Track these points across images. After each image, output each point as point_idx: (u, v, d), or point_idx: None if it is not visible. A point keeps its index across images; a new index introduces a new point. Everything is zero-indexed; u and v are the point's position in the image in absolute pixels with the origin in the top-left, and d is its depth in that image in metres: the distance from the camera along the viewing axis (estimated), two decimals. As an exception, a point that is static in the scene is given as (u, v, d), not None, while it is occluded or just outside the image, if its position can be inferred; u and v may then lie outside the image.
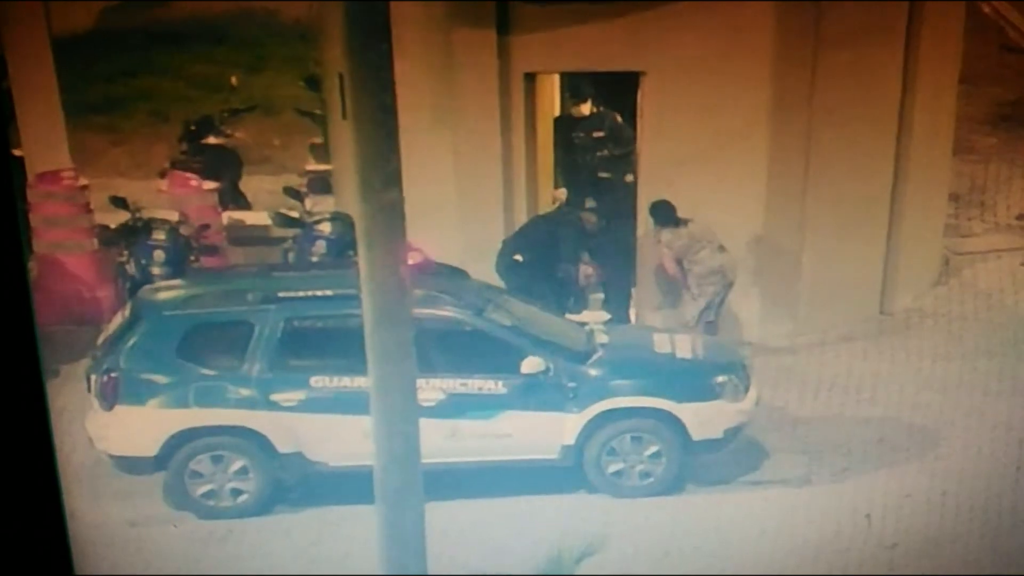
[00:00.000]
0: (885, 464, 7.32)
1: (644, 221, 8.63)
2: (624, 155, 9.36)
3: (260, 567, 6.41)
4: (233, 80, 12.17)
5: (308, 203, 9.88)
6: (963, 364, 8.50)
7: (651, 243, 8.51)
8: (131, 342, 6.82)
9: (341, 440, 6.58)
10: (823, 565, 6.39)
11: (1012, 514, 6.72)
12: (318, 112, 10.80)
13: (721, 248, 8.31)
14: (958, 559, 6.35)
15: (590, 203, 8.58)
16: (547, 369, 6.86)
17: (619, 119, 9.63)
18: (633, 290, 9.11)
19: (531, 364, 6.83)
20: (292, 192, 9.97)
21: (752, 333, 8.80)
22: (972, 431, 7.63)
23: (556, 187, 9.45)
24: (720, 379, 7.08)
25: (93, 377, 6.82)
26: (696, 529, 6.73)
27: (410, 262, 6.23)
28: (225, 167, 11.07)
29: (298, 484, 7.00)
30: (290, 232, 9.35)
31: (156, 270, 8.81)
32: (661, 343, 7.45)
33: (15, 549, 2.16)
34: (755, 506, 6.93)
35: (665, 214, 8.28)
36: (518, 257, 8.32)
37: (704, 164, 8.44)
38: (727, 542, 6.57)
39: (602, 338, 7.35)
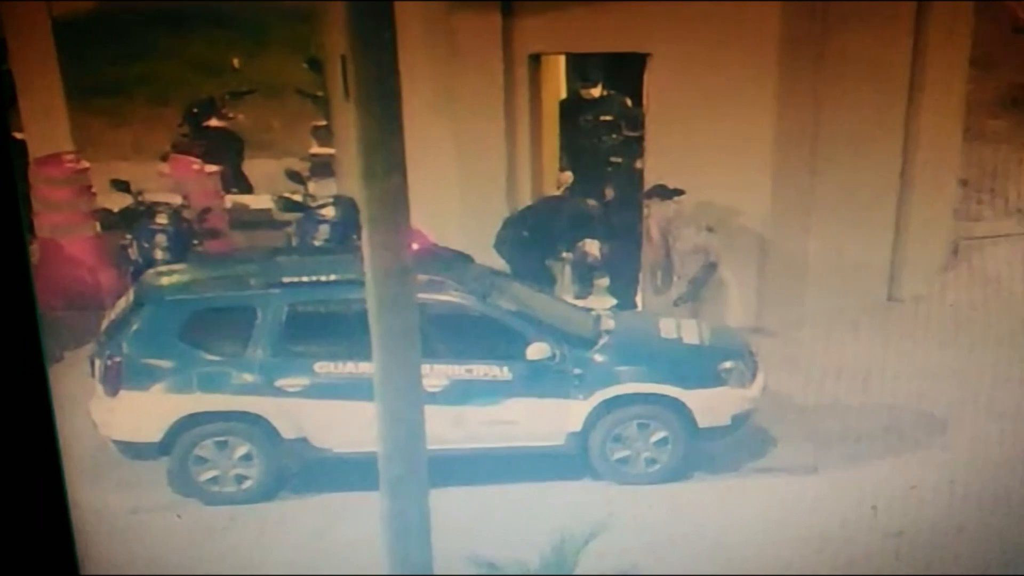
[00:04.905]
0: (892, 453, 7.27)
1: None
2: (632, 139, 9.28)
3: (263, 555, 6.38)
4: (235, 62, 12.09)
5: (311, 186, 9.84)
6: (971, 352, 8.43)
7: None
8: (134, 327, 6.78)
9: (345, 426, 6.55)
10: (828, 554, 6.35)
11: (1021, 506, 6.66)
12: (320, 94, 10.72)
13: (709, 229, 8.29)
14: (965, 550, 6.30)
15: (596, 186, 8.51)
16: (553, 355, 6.81)
17: (628, 102, 9.55)
18: (640, 275, 9.04)
19: (537, 350, 6.78)
20: (295, 175, 9.91)
21: (759, 319, 8.74)
22: (980, 420, 7.56)
23: (561, 170, 9.38)
24: (727, 365, 7.03)
25: (97, 362, 6.79)
26: (702, 517, 6.69)
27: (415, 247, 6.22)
28: (227, 150, 11.02)
29: (302, 470, 6.97)
30: (293, 216, 9.31)
31: (159, 254, 8.78)
32: (667, 329, 7.39)
33: (19, 536, 2.13)
34: (761, 494, 6.89)
35: (657, 190, 8.30)
36: (524, 233, 8.25)
37: (710, 147, 8.37)
38: (733, 530, 6.53)
39: (608, 324, 7.29)
